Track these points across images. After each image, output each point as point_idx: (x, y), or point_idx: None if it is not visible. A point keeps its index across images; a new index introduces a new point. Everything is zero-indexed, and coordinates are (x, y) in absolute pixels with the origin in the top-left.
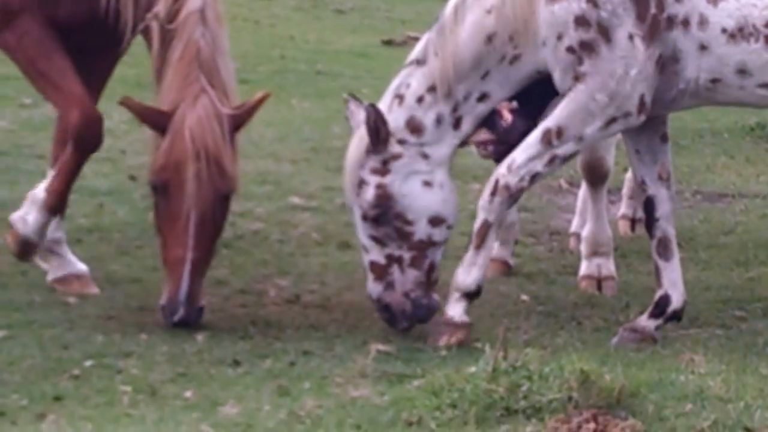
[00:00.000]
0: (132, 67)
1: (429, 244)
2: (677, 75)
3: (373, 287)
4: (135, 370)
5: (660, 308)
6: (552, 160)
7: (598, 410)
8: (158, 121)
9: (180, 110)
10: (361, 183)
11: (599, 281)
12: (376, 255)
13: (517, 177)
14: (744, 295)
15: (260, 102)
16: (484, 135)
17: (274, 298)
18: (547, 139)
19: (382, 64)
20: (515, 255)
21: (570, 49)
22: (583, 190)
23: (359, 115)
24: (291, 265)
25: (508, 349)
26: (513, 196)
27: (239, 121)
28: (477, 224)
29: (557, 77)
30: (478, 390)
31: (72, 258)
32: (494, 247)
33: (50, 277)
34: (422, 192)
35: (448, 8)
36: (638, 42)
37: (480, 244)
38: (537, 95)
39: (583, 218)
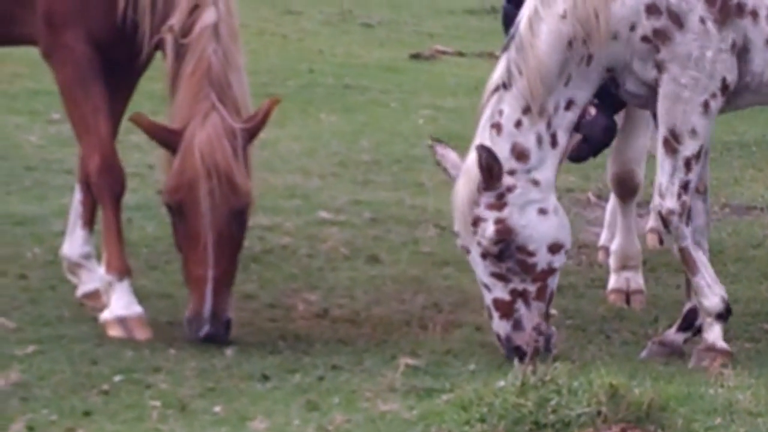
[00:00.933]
0: (158, 82)
1: (550, 272)
2: (746, 66)
3: (501, 326)
4: (164, 385)
5: (688, 321)
6: (688, 164)
7: (627, 424)
8: (168, 139)
9: (190, 128)
10: (478, 221)
11: (628, 295)
12: (500, 292)
13: (673, 197)
14: None
15: (270, 110)
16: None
17: (303, 313)
18: (670, 148)
19: (410, 78)
20: None
21: (645, 39)
22: (611, 203)
23: (450, 157)
24: (319, 279)
25: (537, 363)
26: (682, 213)
27: (252, 133)
28: (677, 255)
29: (637, 68)
30: (506, 404)
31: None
32: (705, 260)
33: (79, 292)
34: (539, 220)
35: (522, 23)
36: (710, 25)
37: (695, 268)
38: (614, 97)
39: (612, 232)
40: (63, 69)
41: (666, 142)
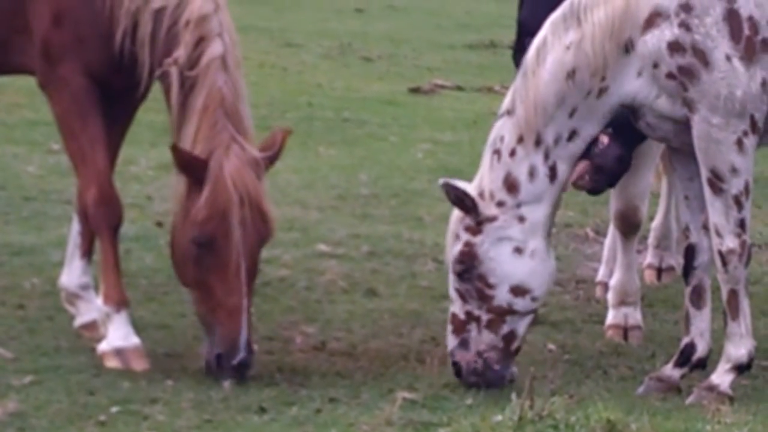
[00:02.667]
0: (159, 113)
1: (509, 311)
2: None
3: (450, 339)
4: (161, 417)
5: (685, 356)
6: (738, 200)
7: None
8: (197, 170)
9: (215, 159)
10: (456, 236)
11: (626, 330)
12: (458, 309)
13: (731, 235)
14: None
15: (284, 140)
16: (580, 166)
17: (301, 345)
18: (716, 188)
19: (409, 112)
20: (541, 304)
21: (670, 75)
22: (609, 239)
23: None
24: (317, 312)
25: (535, 397)
26: (742, 253)
27: (270, 162)
28: (725, 297)
29: (665, 106)
30: None
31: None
32: (747, 311)
33: (77, 322)
34: (510, 259)
35: (531, 51)
36: (737, 63)
37: (736, 315)
38: (630, 126)
39: (610, 267)
40: (60, 100)
41: (710, 183)
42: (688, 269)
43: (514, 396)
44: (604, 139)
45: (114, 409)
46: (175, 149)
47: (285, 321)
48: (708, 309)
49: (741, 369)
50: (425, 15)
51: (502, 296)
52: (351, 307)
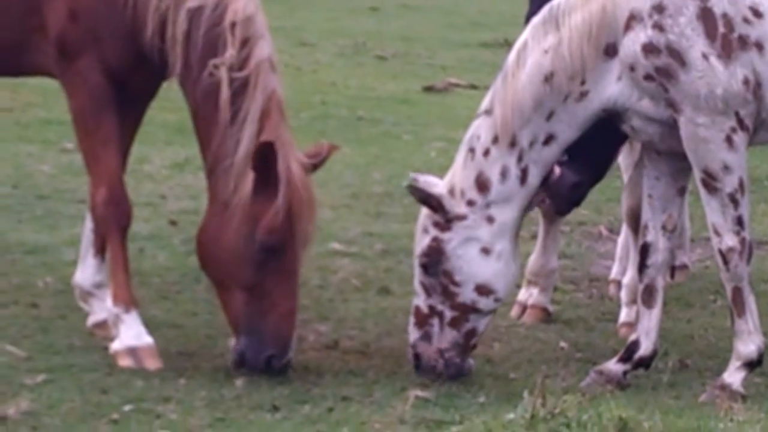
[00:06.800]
0: (173, 113)
1: (472, 309)
2: (760, 102)
3: (412, 331)
4: (174, 415)
5: (628, 354)
6: (734, 199)
7: None
8: (269, 171)
9: (283, 162)
10: (424, 230)
11: None
12: (422, 302)
13: (729, 233)
14: None
15: (331, 152)
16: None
17: (313, 344)
18: (710, 187)
19: (423, 111)
20: (554, 302)
21: (648, 77)
22: (622, 237)
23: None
24: (330, 310)
25: (547, 396)
26: (743, 251)
27: (315, 168)
28: (729, 295)
29: (649, 108)
30: None
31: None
32: (754, 307)
33: (90, 321)
34: (477, 259)
35: (512, 54)
36: (714, 61)
37: (742, 312)
38: (587, 148)
39: (623, 265)
40: (76, 97)
41: (704, 183)
42: (641, 267)
43: (526, 394)
44: (556, 170)
45: (127, 408)
46: (269, 146)
47: (298, 319)
48: (658, 310)
49: (752, 365)
50: (439, 13)
51: (466, 294)
52: (364, 306)
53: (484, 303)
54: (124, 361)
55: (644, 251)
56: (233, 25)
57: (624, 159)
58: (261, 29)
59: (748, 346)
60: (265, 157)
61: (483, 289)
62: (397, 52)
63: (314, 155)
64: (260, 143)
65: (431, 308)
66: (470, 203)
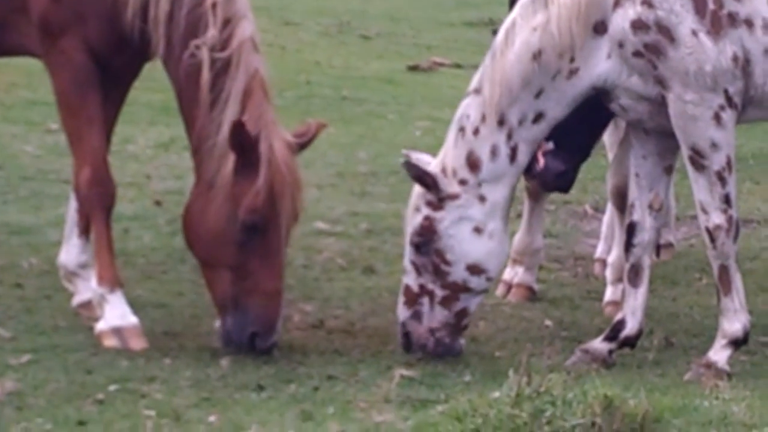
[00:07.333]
0: (158, 93)
1: (463, 288)
2: (748, 79)
3: (401, 310)
4: (159, 395)
5: (614, 332)
6: (721, 177)
7: None
8: (249, 150)
9: (265, 141)
10: (416, 209)
11: None
12: (412, 281)
13: (716, 211)
14: None
15: (319, 131)
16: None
17: (299, 323)
18: (698, 165)
19: (408, 90)
20: (540, 280)
21: (637, 54)
22: (608, 216)
23: (424, 159)
24: (315, 290)
25: (532, 374)
26: (729, 229)
27: (301, 148)
28: (716, 273)
29: (638, 85)
30: (501, 415)
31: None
32: (740, 286)
33: (75, 301)
34: (469, 238)
35: (500, 33)
36: (704, 38)
37: (729, 290)
38: (571, 137)
39: (608, 244)
40: (60, 76)
41: (692, 160)
42: (627, 246)
43: (511, 373)
44: (541, 161)
45: (112, 388)
46: (240, 126)
47: (283, 299)
48: (644, 288)
49: (737, 344)
50: None
51: (458, 273)
52: (349, 285)
53: (476, 282)
54: (109, 341)
55: (631, 230)
56: (215, 5)
57: (609, 137)
58: (243, 9)
59: (733, 324)
60: (240, 137)
61: (475, 269)
62: (381, 31)
63: (301, 134)
64: (232, 123)
65: (422, 287)
66: (462, 182)
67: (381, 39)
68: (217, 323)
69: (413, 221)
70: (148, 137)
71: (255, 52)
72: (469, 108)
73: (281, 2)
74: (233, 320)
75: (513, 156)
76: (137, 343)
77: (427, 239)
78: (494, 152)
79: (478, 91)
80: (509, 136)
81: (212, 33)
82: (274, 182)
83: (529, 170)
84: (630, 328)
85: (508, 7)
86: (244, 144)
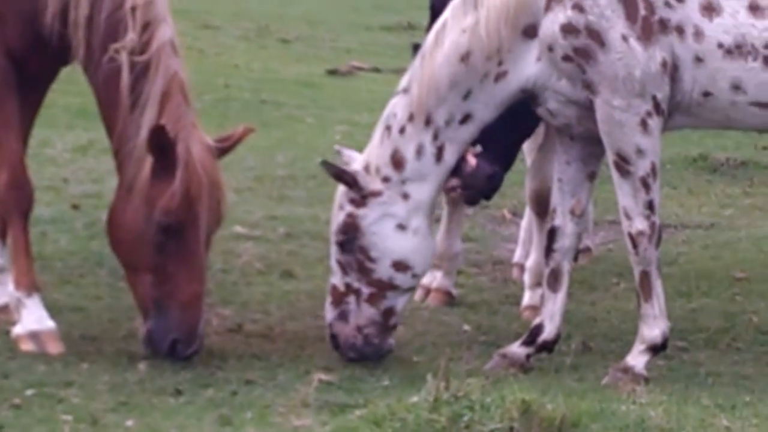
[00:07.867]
0: (76, 96)
1: (389, 286)
2: (676, 85)
3: (328, 311)
4: (76, 400)
5: (532, 337)
6: (645, 182)
7: None
8: (167, 153)
9: (182, 144)
10: (340, 207)
11: None
12: (338, 280)
13: (639, 217)
14: (686, 325)
15: (244, 136)
16: (452, 181)
17: (217, 328)
18: (622, 170)
19: (327, 94)
20: (458, 285)
21: (566, 58)
22: (526, 220)
23: (353, 160)
24: (234, 294)
25: (450, 379)
26: (652, 235)
27: (223, 153)
28: (637, 278)
29: (566, 89)
30: (420, 420)
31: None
32: (660, 292)
33: None
34: (393, 235)
35: (431, 34)
36: (634, 43)
37: (649, 296)
38: (502, 139)
39: (526, 248)
40: None
41: (617, 165)
42: (547, 251)
43: (429, 377)
44: (472, 161)
45: (29, 392)
46: (160, 129)
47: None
48: (563, 293)
49: (656, 350)
50: None
51: (383, 270)
52: (267, 289)
53: (402, 279)
54: (26, 346)
55: (552, 235)
56: (134, 8)
57: (528, 143)
58: (162, 12)
59: (653, 330)
60: (158, 140)
61: (400, 265)
62: (300, 35)
63: (224, 139)
64: (152, 127)
65: (347, 286)
66: (385, 180)
67: (300, 43)
68: (140, 325)
69: (337, 219)
70: (66, 141)
71: (174, 55)
72: (396, 107)
73: (201, 6)
74: (155, 325)
75: (439, 156)
76: (54, 348)
77: (350, 237)
78: (419, 151)
79: (406, 90)
80: (435, 136)
81: (131, 36)
82: (191, 184)
83: (458, 172)
84: (548, 333)
85: (430, 11)
86: (162, 147)
